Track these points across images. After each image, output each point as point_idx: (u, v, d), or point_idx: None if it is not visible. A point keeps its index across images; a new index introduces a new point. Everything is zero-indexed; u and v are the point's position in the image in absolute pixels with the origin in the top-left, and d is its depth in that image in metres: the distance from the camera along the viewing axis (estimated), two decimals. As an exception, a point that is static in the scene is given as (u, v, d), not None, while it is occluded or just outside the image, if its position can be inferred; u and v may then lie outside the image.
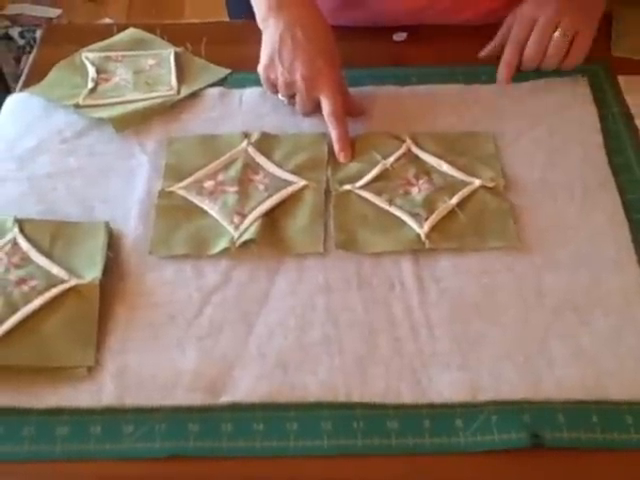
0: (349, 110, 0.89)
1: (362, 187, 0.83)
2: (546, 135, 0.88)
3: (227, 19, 1.18)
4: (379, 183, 0.83)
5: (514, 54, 0.91)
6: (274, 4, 0.89)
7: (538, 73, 0.94)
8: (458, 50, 0.98)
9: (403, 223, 0.79)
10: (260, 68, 0.90)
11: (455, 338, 0.71)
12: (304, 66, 0.86)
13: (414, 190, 0.82)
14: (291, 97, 0.90)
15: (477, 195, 0.82)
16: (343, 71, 0.89)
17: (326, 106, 0.87)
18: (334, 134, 0.86)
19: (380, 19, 1.02)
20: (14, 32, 2.19)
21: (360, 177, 0.84)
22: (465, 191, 0.82)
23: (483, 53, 0.96)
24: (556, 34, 0.89)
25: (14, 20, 2.24)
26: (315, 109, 0.89)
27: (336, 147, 0.86)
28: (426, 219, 0.79)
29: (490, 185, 0.82)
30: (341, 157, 0.86)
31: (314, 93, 0.87)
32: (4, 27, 2.21)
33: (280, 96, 0.91)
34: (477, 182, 0.82)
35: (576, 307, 0.73)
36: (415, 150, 0.86)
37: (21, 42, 2.18)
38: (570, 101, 0.92)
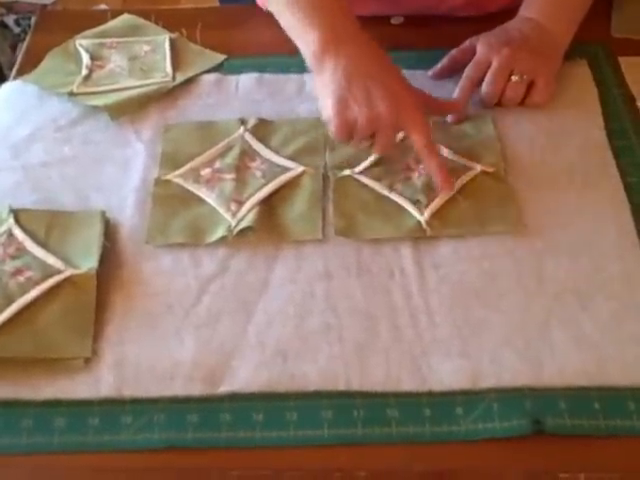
0: (443, 109, 0.86)
1: (361, 172, 0.82)
2: (546, 118, 0.88)
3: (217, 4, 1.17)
4: (378, 168, 0.83)
5: (466, 92, 0.88)
6: (329, 42, 0.79)
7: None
8: (456, 33, 0.97)
9: (403, 210, 0.79)
10: (329, 115, 0.78)
11: (455, 325, 0.70)
12: (384, 95, 0.77)
13: (414, 175, 0.82)
14: (370, 137, 0.79)
15: (478, 180, 0.81)
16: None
17: (417, 138, 0.78)
18: (433, 165, 0.78)
19: (392, 13, 1.00)
20: (9, 20, 2.17)
21: (359, 162, 0.83)
22: (466, 177, 0.81)
23: (431, 73, 0.93)
24: (513, 77, 0.87)
25: (9, 8, 2.22)
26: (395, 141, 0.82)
27: (439, 178, 0.78)
28: (427, 205, 0.78)
29: (491, 170, 0.81)
30: (444, 190, 0.78)
31: (401, 122, 0.78)
32: (-1, 15, 2.19)
33: (353, 142, 0.80)
34: (478, 167, 0.82)
35: (577, 292, 0.72)
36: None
37: (17, 30, 2.16)
38: (570, 83, 0.91)
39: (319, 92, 0.80)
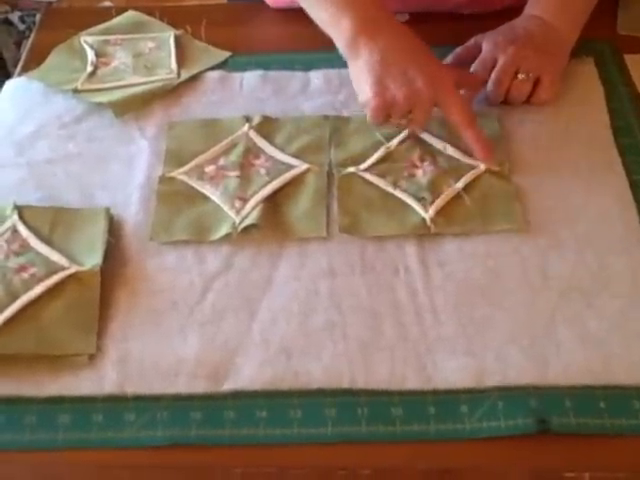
0: (470, 84, 0.88)
1: (366, 169, 0.82)
2: (552, 116, 0.87)
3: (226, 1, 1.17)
4: (383, 165, 0.82)
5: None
6: (362, 27, 0.81)
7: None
8: (462, 31, 0.97)
9: (408, 207, 0.78)
10: (367, 97, 0.80)
11: (460, 322, 0.70)
12: (421, 72, 0.79)
13: (419, 172, 0.81)
14: (407, 114, 0.81)
15: (483, 179, 0.81)
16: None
17: (455, 111, 0.80)
18: (472, 136, 0.80)
19: (398, 10, 1.00)
20: (14, 17, 2.18)
21: (363, 159, 0.83)
22: (470, 175, 0.80)
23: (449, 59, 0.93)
24: (519, 76, 0.87)
25: (14, 4, 2.22)
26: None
27: (479, 149, 0.80)
28: (431, 203, 0.78)
29: (495, 168, 0.81)
30: (484, 159, 0.81)
31: (438, 97, 0.80)
32: (4, 12, 2.19)
33: (393, 122, 0.82)
34: (482, 166, 0.81)
35: (582, 290, 0.72)
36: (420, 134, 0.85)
37: (21, 27, 2.16)
38: (576, 81, 0.91)
39: (355, 77, 0.82)
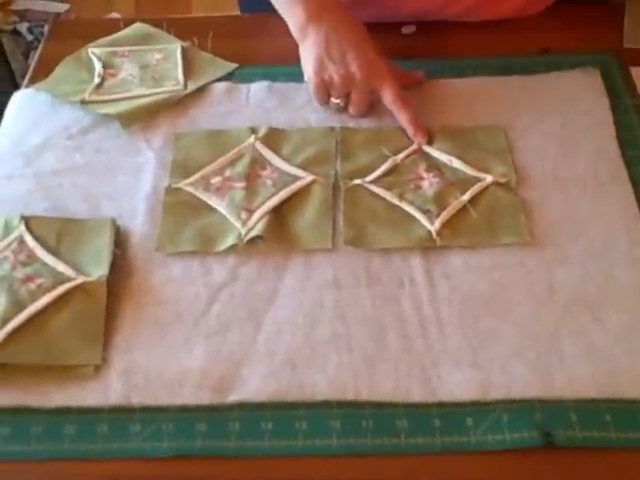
0: (407, 83, 0.90)
1: (372, 182, 0.82)
2: (558, 128, 0.87)
3: (235, 12, 1.17)
4: (389, 177, 0.83)
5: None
6: (313, 13, 0.88)
7: (548, 65, 0.93)
8: (467, 43, 0.98)
9: (414, 219, 0.78)
10: (309, 75, 0.88)
11: (465, 335, 0.70)
12: (358, 56, 0.85)
13: (425, 184, 0.81)
14: (346, 96, 0.88)
15: (489, 191, 0.80)
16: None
17: (388, 92, 0.86)
18: (405, 117, 0.85)
19: (393, 18, 1.01)
20: (22, 27, 2.19)
21: (369, 171, 0.83)
22: (476, 187, 0.80)
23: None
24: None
25: (22, 15, 2.23)
26: (370, 104, 0.88)
27: (410, 130, 0.85)
28: (437, 215, 0.78)
29: (502, 181, 0.81)
30: (418, 138, 0.85)
31: (372, 81, 0.86)
32: (12, 23, 2.21)
33: (333, 101, 0.89)
34: (489, 178, 0.81)
35: (588, 303, 0.71)
36: (425, 147, 0.85)
37: (29, 37, 2.18)
38: (582, 93, 0.91)
39: (302, 58, 0.89)
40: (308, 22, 0.88)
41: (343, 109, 0.89)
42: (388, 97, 0.86)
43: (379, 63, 0.86)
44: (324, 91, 0.88)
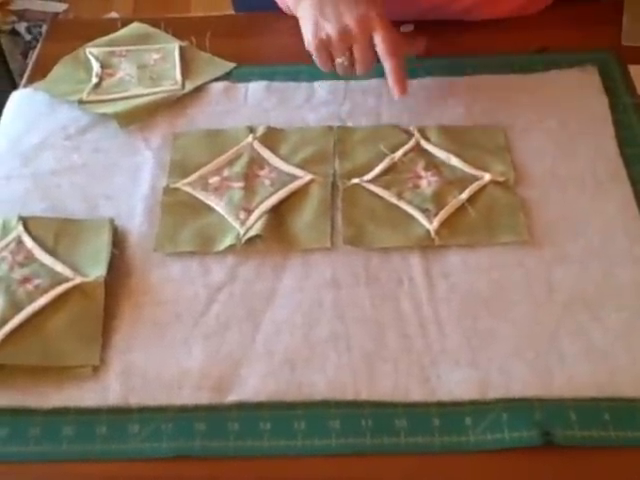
0: (408, 47, 0.88)
1: (370, 181, 0.82)
2: (556, 126, 0.87)
3: (232, 12, 1.17)
4: (387, 176, 0.82)
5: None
6: None
7: (546, 64, 0.93)
8: (465, 42, 0.97)
9: (412, 218, 0.78)
10: (308, 39, 0.86)
11: (464, 334, 0.70)
12: (351, 8, 0.83)
13: (423, 183, 0.81)
14: (349, 55, 0.85)
15: (487, 190, 0.80)
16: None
17: (380, 38, 0.83)
18: (388, 65, 0.84)
19: (394, 17, 1.00)
20: (21, 27, 2.19)
21: (368, 170, 0.83)
22: (475, 186, 0.80)
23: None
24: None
25: (21, 15, 2.24)
26: (374, 59, 0.85)
27: (390, 80, 0.84)
28: (435, 214, 0.78)
29: (500, 180, 0.81)
30: (395, 91, 0.84)
31: (370, 31, 0.83)
32: (11, 22, 2.21)
33: (337, 61, 0.86)
34: (487, 177, 0.81)
35: (587, 302, 0.71)
36: (424, 144, 0.85)
37: (28, 37, 2.18)
38: (580, 91, 0.91)
39: (301, 25, 0.87)
40: None
41: (349, 69, 0.87)
42: (381, 46, 0.83)
43: (372, 13, 0.83)
44: (326, 53, 0.86)
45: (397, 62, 0.84)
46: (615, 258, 0.75)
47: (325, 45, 0.85)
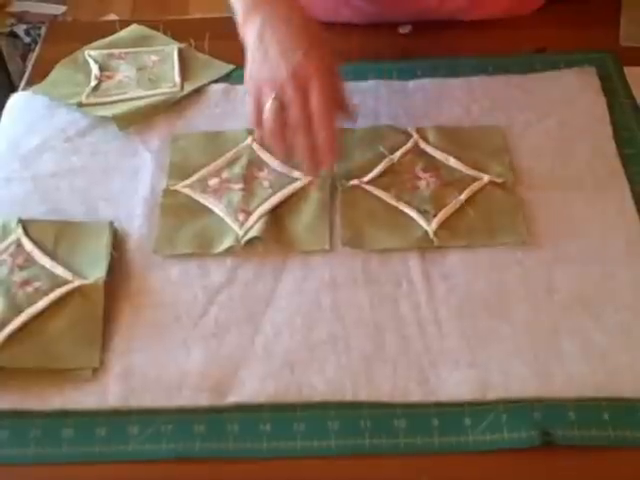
0: (341, 104, 0.79)
1: (369, 182, 0.82)
2: (555, 127, 0.87)
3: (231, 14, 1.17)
4: (386, 178, 0.82)
5: None
6: (250, 4, 0.80)
7: (544, 64, 0.93)
8: (464, 42, 0.97)
9: (411, 220, 0.78)
10: (246, 78, 0.79)
11: (464, 335, 0.70)
12: (286, 57, 0.75)
13: (422, 184, 0.81)
14: (277, 106, 0.76)
15: (486, 191, 0.80)
16: (346, 66, 0.87)
17: (314, 93, 0.74)
18: (320, 137, 0.74)
19: (390, 18, 1.00)
20: (19, 30, 2.19)
21: (366, 172, 0.83)
22: (474, 187, 0.80)
23: None
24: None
25: (20, 17, 2.24)
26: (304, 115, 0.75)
27: (323, 150, 0.75)
28: (434, 216, 0.78)
29: (499, 180, 0.81)
30: (324, 162, 0.76)
31: (304, 83, 0.74)
32: (10, 25, 2.21)
33: (266, 112, 0.76)
34: (486, 178, 0.81)
35: (587, 302, 0.72)
36: (422, 145, 0.85)
37: (27, 39, 2.18)
38: (578, 92, 0.91)
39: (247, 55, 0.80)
40: (246, 17, 0.80)
41: (279, 117, 0.75)
42: (312, 100, 0.74)
43: (311, 60, 0.75)
44: (257, 95, 0.77)
45: (329, 132, 0.74)
46: (614, 258, 0.75)
47: (257, 87, 0.77)
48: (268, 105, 0.76)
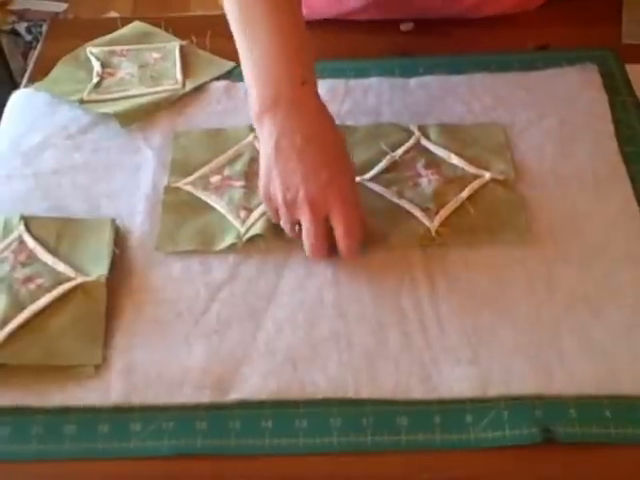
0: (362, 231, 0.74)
1: (371, 179, 0.82)
2: (556, 124, 0.87)
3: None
4: (388, 175, 0.82)
5: None
6: (270, 100, 0.74)
7: (546, 61, 0.93)
8: (465, 39, 0.97)
9: (413, 217, 0.78)
10: (260, 184, 0.75)
11: (465, 332, 0.70)
12: (306, 181, 0.71)
13: (423, 181, 0.81)
14: (296, 223, 0.74)
15: (487, 188, 0.80)
16: (348, 63, 0.87)
17: (342, 238, 0.72)
18: (341, 247, 0.73)
19: (398, 15, 1.00)
20: (21, 27, 2.19)
21: (368, 169, 0.83)
22: (475, 184, 0.80)
23: None
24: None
25: (21, 15, 2.24)
26: (329, 237, 0.73)
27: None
28: (436, 213, 0.78)
29: (500, 178, 0.81)
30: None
31: (322, 214, 0.71)
32: (11, 22, 2.21)
33: (282, 224, 0.75)
34: (487, 175, 0.81)
35: (588, 300, 0.71)
36: (424, 142, 0.85)
37: (28, 37, 2.18)
38: (580, 89, 0.91)
39: (260, 158, 0.76)
40: (263, 112, 0.74)
41: (298, 236, 0.74)
42: (339, 242, 0.72)
43: (332, 191, 0.71)
44: (274, 207, 0.74)
45: (351, 245, 0.73)
46: (615, 256, 0.75)
47: (273, 201, 0.74)
48: (288, 230, 0.74)
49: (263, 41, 0.77)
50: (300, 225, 0.73)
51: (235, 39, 0.81)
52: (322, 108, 0.76)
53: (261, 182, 0.75)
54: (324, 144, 0.74)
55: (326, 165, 0.72)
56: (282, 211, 0.73)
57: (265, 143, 0.74)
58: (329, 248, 0.73)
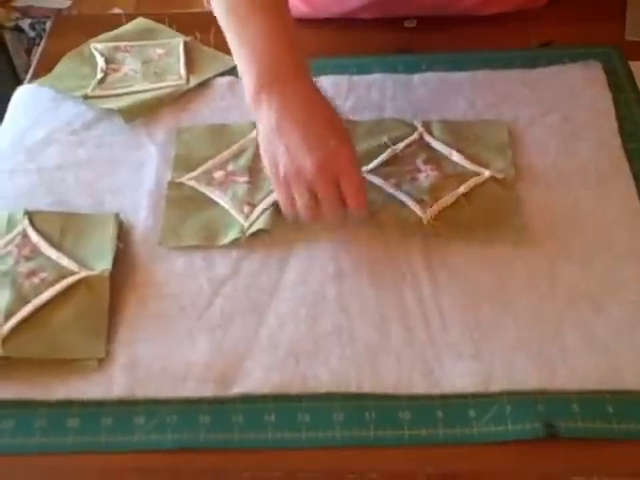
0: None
1: (370, 171, 0.82)
2: (559, 121, 0.87)
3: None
4: (388, 168, 0.83)
5: None
6: (265, 80, 0.76)
7: (550, 58, 0.93)
8: (468, 36, 0.97)
9: (407, 208, 0.78)
10: (265, 162, 0.76)
11: (467, 327, 0.70)
12: (315, 150, 0.72)
13: (421, 176, 0.81)
14: (310, 198, 0.74)
15: (485, 186, 0.80)
16: (352, 59, 0.87)
17: (351, 201, 0.73)
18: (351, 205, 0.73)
19: (403, 12, 1.00)
20: (24, 24, 2.19)
21: (369, 161, 0.83)
22: (472, 181, 0.80)
23: None
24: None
25: (24, 12, 2.23)
26: (341, 206, 0.74)
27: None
28: (430, 206, 0.78)
29: (499, 176, 0.81)
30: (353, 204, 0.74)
31: (334, 177, 0.73)
32: (14, 19, 2.21)
33: (299, 206, 0.74)
34: (487, 173, 0.81)
35: (590, 296, 0.72)
36: (427, 138, 0.85)
37: (32, 34, 2.18)
38: (584, 86, 0.91)
39: (259, 139, 0.77)
40: (259, 93, 0.76)
41: (314, 210, 0.74)
42: (345, 190, 0.73)
43: (340, 157, 0.73)
44: (284, 185, 0.74)
45: (362, 201, 0.74)
46: (618, 253, 0.75)
47: (285, 181, 0.74)
48: (300, 203, 0.74)
49: (255, 32, 0.78)
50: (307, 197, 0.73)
51: (224, 32, 0.82)
52: (317, 89, 0.78)
53: (265, 160, 0.76)
54: (326, 118, 0.76)
55: (331, 135, 0.74)
56: (293, 185, 0.74)
57: (265, 121, 0.75)
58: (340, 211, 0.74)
